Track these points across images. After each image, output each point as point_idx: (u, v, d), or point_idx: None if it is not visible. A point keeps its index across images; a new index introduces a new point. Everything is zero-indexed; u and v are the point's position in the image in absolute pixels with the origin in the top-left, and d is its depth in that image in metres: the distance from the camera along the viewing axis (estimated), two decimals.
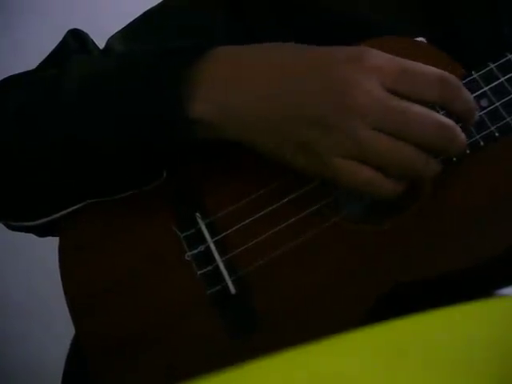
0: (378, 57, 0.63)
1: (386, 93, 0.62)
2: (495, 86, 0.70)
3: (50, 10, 1.74)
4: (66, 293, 0.75)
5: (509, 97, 0.70)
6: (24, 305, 1.64)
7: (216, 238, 0.73)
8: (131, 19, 0.86)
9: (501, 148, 0.70)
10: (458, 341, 0.40)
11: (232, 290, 0.72)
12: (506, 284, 0.72)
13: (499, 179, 0.70)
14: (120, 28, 0.86)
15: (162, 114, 0.67)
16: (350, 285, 0.70)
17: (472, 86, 0.70)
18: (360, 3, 0.79)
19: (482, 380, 0.37)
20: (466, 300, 0.44)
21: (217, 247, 0.73)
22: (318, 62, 0.65)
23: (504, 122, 0.70)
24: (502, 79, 0.70)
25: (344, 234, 0.71)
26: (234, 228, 0.73)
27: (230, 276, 0.72)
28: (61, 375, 0.84)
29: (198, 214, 0.74)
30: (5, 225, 0.81)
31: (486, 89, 0.70)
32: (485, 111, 0.70)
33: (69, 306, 0.75)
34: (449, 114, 0.65)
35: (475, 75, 0.71)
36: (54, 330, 1.29)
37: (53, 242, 0.77)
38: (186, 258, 0.73)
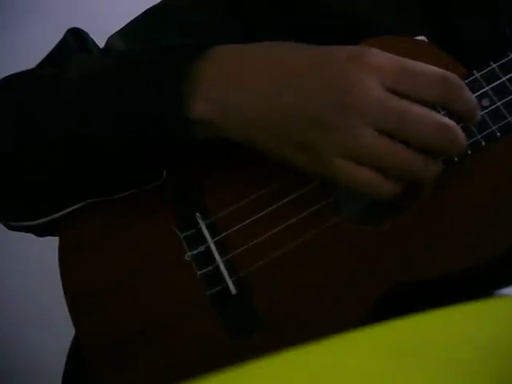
0: (378, 56, 0.63)
1: (386, 92, 0.62)
2: (496, 85, 0.70)
3: (52, 9, 1.74)
4: (65, 292, 0.75)
5: (510, 96, 0.70)
6: (24, 304, 1.64)
7: (216, 238, 0.73)
8: None
9: (502, 148, 0.70)
10: (458, 341, 0.40)
11: (232, 290, 0.72)
12: (506, 284, 0.72)
13: (500, 179, 0.70)
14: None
15: (162, 112, 0.67)
16: (350, 285, 0.70)
17: (473, 86, 0.69)
18: (360, 2, 0.79)
19: (482, 380, 0.36)
20: (466, 300, 0.44)
21: (217, 247, 0.73)
22: (318, 61, 0.65)
23: (505, 121, 0.70)
24: (504, 79, 0.70)
25: (344, 234, 0.71)
26: (234, 228, 0.73)
27: (231, 276, 0.72)
28: (61, 375, 0.84)
29: (198, 214, 0.74)
30: (4, 225, 0.81)
31: (487, 88, 0.70)
32: (486, 111, 0.70)
33: (68, 306, 0.75)
34: (449, 114, 0.64)
35: (477, 75, 0.70)
36: (54, 330, 1.29)
37: (52, 242, 0.77)
38: (186, 258, 0.73)
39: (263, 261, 0.72)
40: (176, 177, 0.74)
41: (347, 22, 0.78)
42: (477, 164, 0.70)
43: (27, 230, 0.80)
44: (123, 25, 0.86)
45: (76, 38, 0.83)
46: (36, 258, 1.44)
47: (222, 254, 0.73)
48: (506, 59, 0.70)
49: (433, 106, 0.64)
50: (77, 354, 0.80)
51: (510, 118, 0.70)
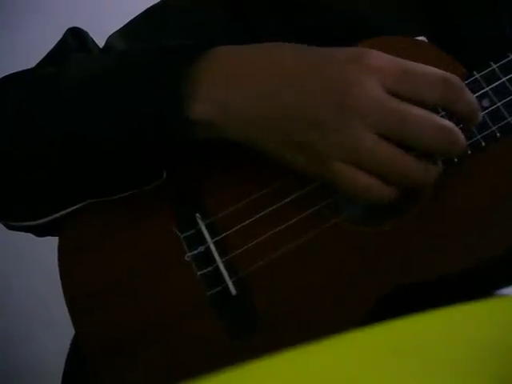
0: (378, 57, 0.63)
1: (386, 94, 0.62)
2: (496, 86, 0.70)
3: (52, 9, 1.74)
4: (65, 293, 0.75)
5: (510, 97, 0.70)
6: (24, 304, 1.64)
7: (216, 239, 0.73)
8: None
9: (502, 148, 0.70)
10: (458, 341, 0.40)
11: (232, 290, 0.72)
12: (506, 284, 0.72)
13: (500, 179, 0.70)
14: None
15: (162, 112, 0.67)
16: (350, 285, 0.70)
17: (473, 87, 0.69)
18: (360, 2, 0.79)
19: (482, 380, 0.36)
20: (466, 300, 0.44)
21: (217, 248, 0.73)
22: (318, 62, 0.65)
23: (505, 122, 0.70)
24: (504, 79, 0.70)
25: (344, 235, 0.71)
26: (234, 229, 0.73)
27: (231, 277, 0.72)
28: (61, 375, 0.84)
29: (198, 214, 0.74)
30: (4, 225, 0.81)
31: (487, 89, 0.70)
32: (486, 111, 0.70)
33: (68, 306, 0.75)
34: (449, 116, 0.64)
35: (477, 75, 0.70)
36: (54, 330, 1.29)
37: (52, 242, 0.77)
38: (186, 258, 0.73)
39: (263, 261, 0.72)
40: (176, 177, 0.74)
41: (347, 21, 0.78)
42: (477, 164, 0.70)
43: (27, 229, 0.80)
44: (123, 24, 0.86)
45: (76, 38, 0.83)
46: (37, 258, 1.44)
47: (221, 255, 0.73)
48: (506, 60, 0.70)
49: (433, 108, 0.64)
50: (77, 354, 0.80)
51: (509, 119, 0.70)
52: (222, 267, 0.72)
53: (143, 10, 0.86)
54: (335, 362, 0.40)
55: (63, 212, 0.75)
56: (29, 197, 0.75)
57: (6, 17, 1.75)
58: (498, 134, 0.70)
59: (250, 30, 0.80)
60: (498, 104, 0.70)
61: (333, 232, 0.71)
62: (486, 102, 0.70)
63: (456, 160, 0.69)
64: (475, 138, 0.70)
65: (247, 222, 0.73)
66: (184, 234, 0.74)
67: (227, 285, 0.72)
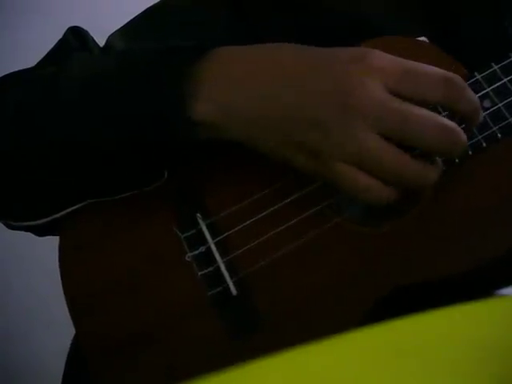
0: (380, 58, 0.63)
1: (388, 94, 0.62)
2: (498, 86, 0.70)
3: (53, 9, 1.74)
4: (65, 293, 0.75)
5: (511, 98, 0.70)
6: (24, 304, 1.64)
7: (217, 239, 0.73)
8: None
9: (503, 149, 0.70)
10: (458, 341, 0.40)
11: (233, 291, 0.72)
12: (506, 284, 0.72)
13: (501, 180, 0.70)
14: None
15: (162, 111, 0.67)
16: (350, 286, 0.70)
17: (475, 87, 0.69)
18: (362, 2, 0.79)
19: (482, 380, 0.36)
20: (466, 300, 0.44)
21: (218, 248, 0.73)
22: (320, 63, 0.65)
23: (506, 122, 0.70)
24: (505, 80, 0.70)
25: (346, 235, 0.71)
26: (235, 229, 0.73)
27: (231, 277, 0.72)
28: (61, 375, 0.84)
29: (198, 214, 0.74)
30: (4, 224, 0.81)
31: (488, 90, 0.70)
32: (487, 112, 0.70)
33: (68, 306, 0.74)
34: (451, 116, 0.64)
35: (478, 76, 0.70)
36: (55, 330, 1.29)
37: (53, 242, 0.77)
38: (187, 258, 0.73)
39: (264, 261, 0.72)
40: (177, 177, 0.74)
41: (350, 22, 0.78)
42: (478, 165, 0.70)
43: (27, 229, 0.80)
44: (123, 24, 0.86)
45: (76, 37, 0.83)
46: (37, 257, 1.44)
47: (222, 255, 0.72)
48: (508, 61, 0.70)
49: (434, 108, 0.64)
50: (77, 354, 0.80)
51: (510, 119, 0.70)
52: (222, 267, 0.72)
53: (143, 9, 0.86)
54: (335, 362, 0.40)
55: (63, 212, 0.75)
56: (29, 197, 0.75)
57: (6, 17, 1.75)
58: (499, 135, 0.70)
59: (252, 31, 0.80)
60: (499, 105, 0.70)
61: (334, 232, 0.71)
62: (487, 103, 0.70)
63: (457, 161, 0.69)
64: (476, 139, 0.69)
65: (248, 222, 0.73)
66: (185, 234, 0.74)
67: (228, 285, 0.72)
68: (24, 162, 0.73)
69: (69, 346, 0.83)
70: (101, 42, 0.84)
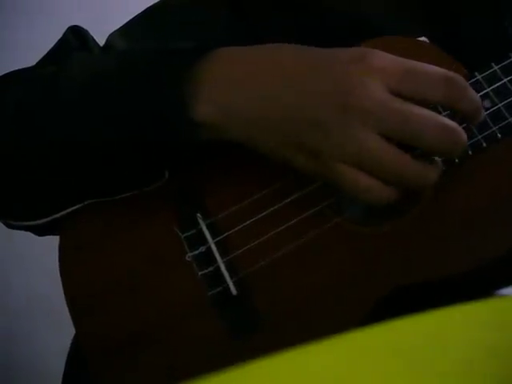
0: (381, 57, 0.63)
1: (389, 94, 0.62)
2: (498, 86, 0.70)
3: (54, 9, 1.74)
4: (65, 293, 0.75)
5: (511, 98, 0.70)
6: (25, 304, 1.64)
7: (217, 239, 0.73)
8: None
9: (503, 149, 0.70)
10: (457, 341, 0.40)
11: (233, 291, 0.72)
12: (506, 284, 0.72)
13: (501, 180, 0.70)
14: None
15: (162, 111, 0.67)
16: (350, 286, 0.70)
17: (475, 88, 0.69)
18: (362, 2, 0.79)
19: (482, 380, 0.36)
20: (466, 300, 0.44)
21: (218, 248, 0.73)
22: (320, 63, 0.65)
23: (506, 122, 0.70)
24: (505, 80, 0.70)
25: (346, 235, 0.71)
26: (235, 229, 0.73)
27: (231, 277, 0.72)
28: (61, 375, 0.84)
29: (199, 214, 0.74)
30: (4, 223, 0.81)
31: (488, 90, 0.70)
32: (487, 112, 0.70)
33: (68, 306, 0.75)
34: (452, 116, 0.64)
35: (478, 76, 0.70)
36: (55, 330, 1.29)
37: (53, 242, 0.77)
38: (187, 258, 0.73)
39: (264, 261, 0.72)
40: (177, 177, 0.74)
41: (350, 22, 0.78)
42: (477, 165, 0.70)
43: (27, 229, 0.80)
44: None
45: (76, 37, 0.83)
46: (37, 257, 1.44)
47: (222, 255, 0.72)
48: (508, 61, 0.70)
49: (434, 108, 0.64)
50: (77, 354, 0.80)
51: (510, 119, 0.70)
52: (222, 267, 0.72)
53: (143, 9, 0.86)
54: (335, 362, 0.40)
55: (63, 212, 0.75)
56: (29, 197, 0.75)
57: (6, 17, 1.75)
58: (499, 135, 0.70)
59: (252, 31, 0.80)
60: (500, 105, 0.70)
61: (334, 232, 0.71)
62: (487, 103, 0.70)
63: (457, 161, 0.69)
64: (476, 139, 0.69)
65: (248, 222, 0.73)
66: (185, 234, 0.74)
67: (228, 285, 0.72)
68: (24, 162, 0.73)
69: (69, 345, 0.83)
70: (101, 41, 0.84)
